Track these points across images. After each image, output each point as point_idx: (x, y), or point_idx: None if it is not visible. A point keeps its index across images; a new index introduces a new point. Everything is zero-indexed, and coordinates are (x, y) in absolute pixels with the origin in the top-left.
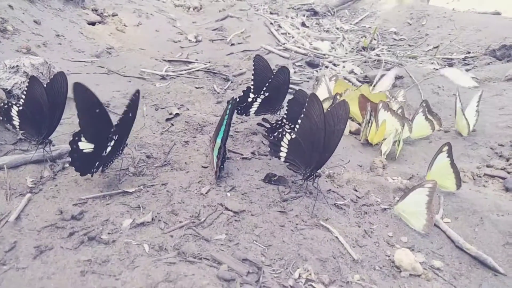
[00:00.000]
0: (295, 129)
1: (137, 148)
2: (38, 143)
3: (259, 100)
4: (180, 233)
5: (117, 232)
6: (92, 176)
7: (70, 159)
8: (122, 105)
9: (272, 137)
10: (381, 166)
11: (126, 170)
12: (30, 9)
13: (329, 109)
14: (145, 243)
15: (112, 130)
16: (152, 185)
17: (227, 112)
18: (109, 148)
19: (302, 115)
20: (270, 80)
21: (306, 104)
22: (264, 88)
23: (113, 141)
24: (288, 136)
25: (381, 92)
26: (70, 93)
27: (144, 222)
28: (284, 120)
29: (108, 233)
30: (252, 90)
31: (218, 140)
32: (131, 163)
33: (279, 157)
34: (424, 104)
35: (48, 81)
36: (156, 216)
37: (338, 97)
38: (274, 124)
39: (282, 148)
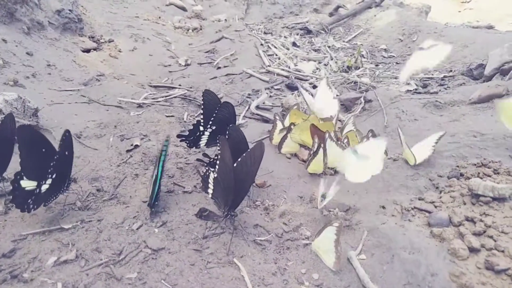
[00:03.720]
0: (216, 169)
1: (90, 181)
2: None
3: (207, 133)
4: (97, 271)
5: (40, 270)
6: (28, 212)
7: (11, 197)
8: (93, 135)
9: (203, 174)
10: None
11: (73, 204)
12: (24, 41)
13: (248, 151)
14: (60, 281)
15: (50, 170)
16: (89, 221)
17: (164, 149)
18: (46, 186)
19: (219, 156)
20: (214, 115)
21: (219, 147)
22: (210, 122)
23: (50, 179)
24: (212, 175)
25: (328, 121)
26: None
27: (67, 259)
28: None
29: (32, 271)
30: (202, 124)
31: (156, 175)
32: (79, 197)
33: (208, 193)
34: (370, 134)
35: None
36: (80, 254)
37: (292, 127)
38: (212, 160)
39: (209, 185)
